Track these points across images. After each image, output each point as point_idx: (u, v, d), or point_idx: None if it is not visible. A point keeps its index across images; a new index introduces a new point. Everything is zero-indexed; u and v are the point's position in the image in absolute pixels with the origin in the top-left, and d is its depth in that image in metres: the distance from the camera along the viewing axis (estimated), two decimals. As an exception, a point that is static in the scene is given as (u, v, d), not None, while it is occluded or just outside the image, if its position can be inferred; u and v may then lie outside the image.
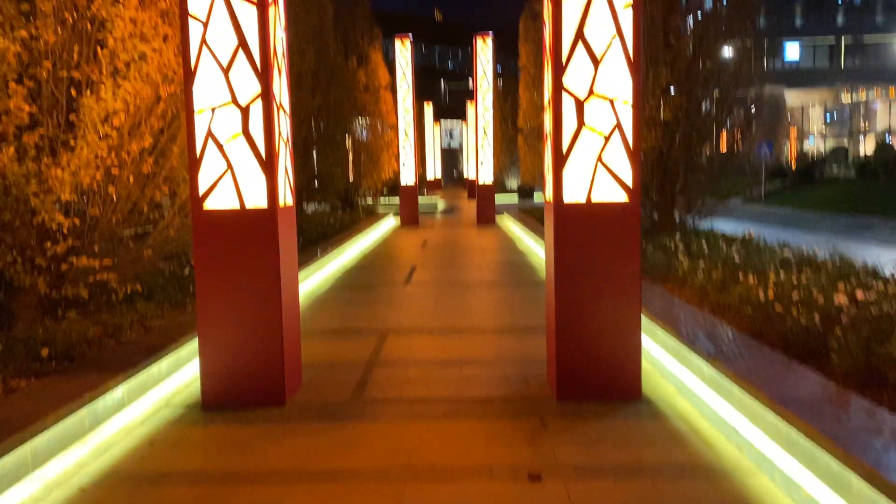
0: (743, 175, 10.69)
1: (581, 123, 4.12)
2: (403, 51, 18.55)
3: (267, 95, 4.17)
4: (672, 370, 4.87)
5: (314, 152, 13.07)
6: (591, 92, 4.10)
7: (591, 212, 4.18)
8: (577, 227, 4.19)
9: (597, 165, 4.15)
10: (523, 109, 18.70)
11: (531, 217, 17.37)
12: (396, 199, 21.43)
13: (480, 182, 18.77)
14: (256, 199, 4.24)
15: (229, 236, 4.28)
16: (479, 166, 18.69)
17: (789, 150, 44.30)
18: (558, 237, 4.19)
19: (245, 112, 4.18)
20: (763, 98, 11.59)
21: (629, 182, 4.16)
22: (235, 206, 4.25)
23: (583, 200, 4.17)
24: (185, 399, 4.63)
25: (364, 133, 19.47)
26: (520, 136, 19.54)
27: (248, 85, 4.17)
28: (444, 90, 65.68)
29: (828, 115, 60.40)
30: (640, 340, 4.33)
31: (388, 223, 19.10)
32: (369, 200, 19.97)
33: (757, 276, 6.28)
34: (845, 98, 57.49)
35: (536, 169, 18.45)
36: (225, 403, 4.34)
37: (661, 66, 8.88)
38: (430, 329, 6.42)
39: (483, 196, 18.91)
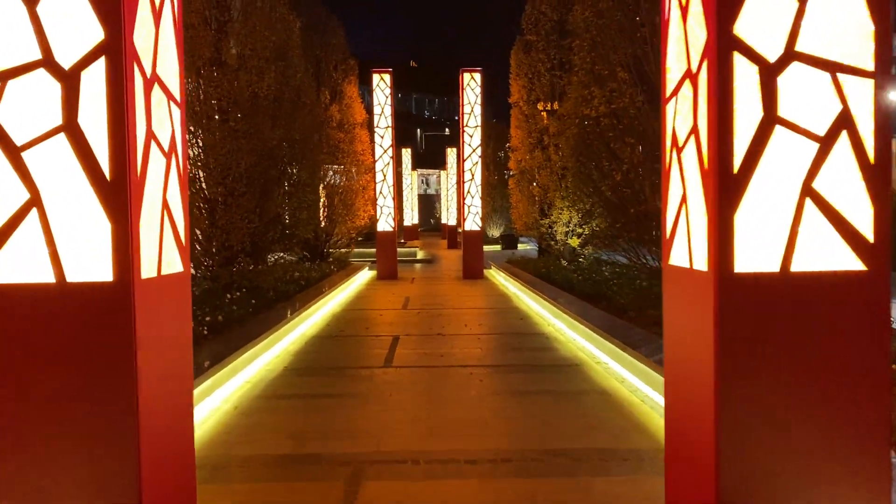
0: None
1: (772, 115, 2.02)
2: (382, 85, 16.70)
3: (116, 49, 2.01)
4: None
5: (285, 195, 10.94)
6: (790, 52, 2.02)
7: (792, 290, 2.04)
8: (765, 319, 2.04)
9: (802, 200, 2.03)
10: (515, 150, 16.83)
11: (523, 270, 15.29)
12: (370, 248, 19.29)
13: (467, 229, 16.73)
14: (92, 264, 2.04)
15: (32, 338, 2.06)
16: (467, 212, 16.67)
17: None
18: (726, 335, 2.03)
19: (71, 83, 2.01)
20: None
21: (868, 233, 2.05)
22: (47, 277, 2.04)
23: (774, 269, 2.04)
24: None
25: (336, 175, 17.38)
26: (511, 180, 17.61)
27: (78, 30, 2.01)
28: (421, 138, 64.67)
29: None
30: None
31: (363, 276, 16.87)
32: (342, 250, 17.76)
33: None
34: None
35: (530, 216, 16.46)
36: None
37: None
38: (430, 458, 4.15)
39: (470, 245, 16.82)
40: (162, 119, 2.26)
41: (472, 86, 16.70)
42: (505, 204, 33.48)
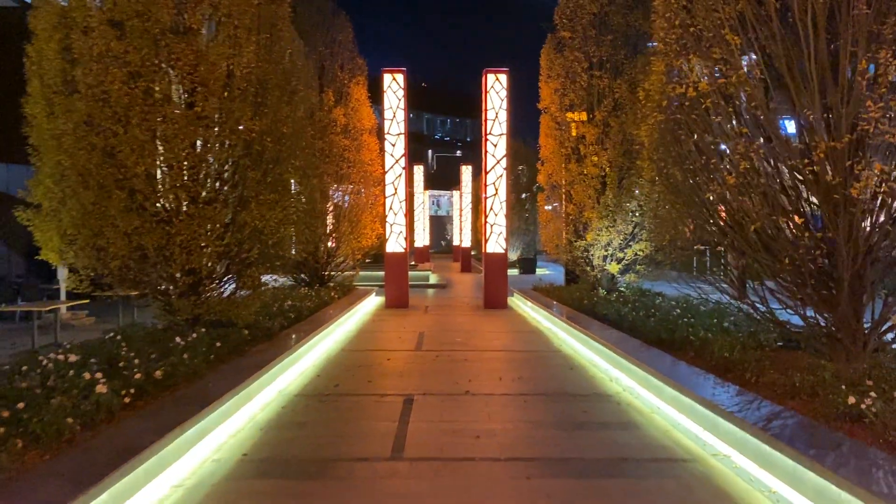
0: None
1: None
2: (395, 86, 14.62)
3: None
4: None
5: (270, 204, 8.46)
6: None
7: None
8: None
9: None
10: (545, 162, 14.59)
11: (556, 300, 13.02)
12: (377, 272, 16.99)
13: (489, 251, 14.49)
14: None
15: None
16: (489, 232, 14.45)
17: None
18: None
19: None
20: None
21: None
22: None
23: None
24: None
25: (340, 190, 15.20)
26: (540, 195, 15.36)
27: None
28: (432, 159, 63.03)
29: None
30: None
31: (369, 304, 14.62)
32: (346, 273, 15.53)
33: None
34: None
35: (562, 238, 14.18)
36: None
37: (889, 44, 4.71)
38: None
39: (492, 270, 14.58)
40: None
41: (496, 88, 14.60)
42: (522, 225, 31.28)
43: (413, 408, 5.73)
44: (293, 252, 13.23)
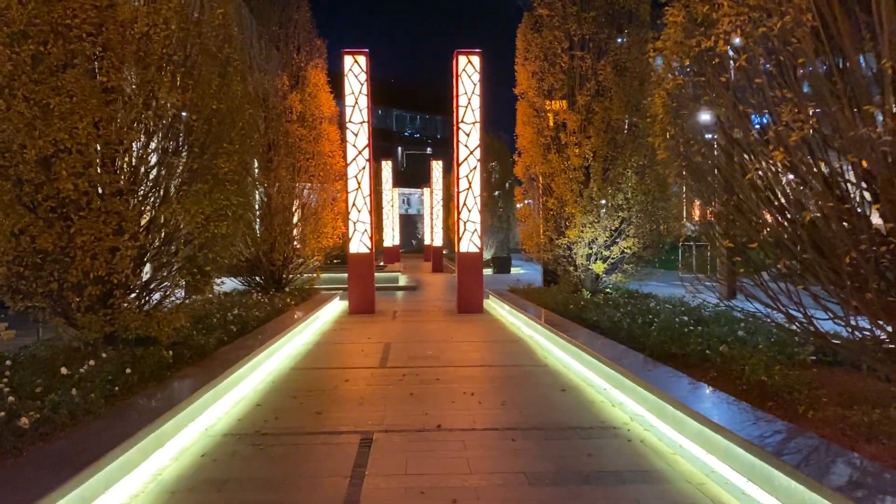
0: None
1: None
2: (357, 69, 13.28)
3: None
4: None
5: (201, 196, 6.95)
6: None
7: None
8: None
9: None
10: (524, 152, 13.38)
11: (536, 303, 11.87)
12: (342, 273, 15.63)
13: (463, 250, 13.26)
14: None
15: None
16: (462, 230, 13.22)
17: None
18: None
19: None
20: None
21: None
22: None
23: None
24: None
25: (299, 184, 13.79)
26: (517, 189, 14.18)
27: None
28: (402, 157, 61.75)
29: None
30: None
31: (331, 310, 13.28)
32: (306, 276, 14.15)
33: None
34: None
35: (543, 235, 13.01)
36: None
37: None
38: None
39: (467, 271, 13.35)
40: None
41: (468, 71, 13.34)
42: (496, 223, 30.13)
43: (371, 452, 4.47)
44: (241, 252, 11.85)
